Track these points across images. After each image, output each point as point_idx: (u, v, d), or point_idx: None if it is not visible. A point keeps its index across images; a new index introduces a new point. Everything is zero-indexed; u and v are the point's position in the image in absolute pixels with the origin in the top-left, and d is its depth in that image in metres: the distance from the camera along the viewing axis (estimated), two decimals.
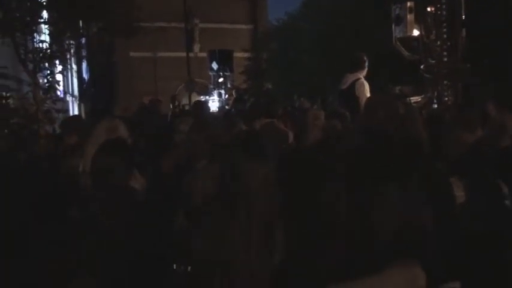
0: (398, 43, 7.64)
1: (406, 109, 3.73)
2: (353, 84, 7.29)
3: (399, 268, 1.76)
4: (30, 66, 6.06)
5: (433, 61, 7.28)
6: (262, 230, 2.46)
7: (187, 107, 18.42)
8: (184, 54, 23.72)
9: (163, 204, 3.53)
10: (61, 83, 6.41)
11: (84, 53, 24.14)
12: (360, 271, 1.77)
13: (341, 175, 2.23)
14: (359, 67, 7.46)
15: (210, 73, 22.84)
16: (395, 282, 1.76)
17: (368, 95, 7.02)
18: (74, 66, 27.59)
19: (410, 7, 7.48)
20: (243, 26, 34.41)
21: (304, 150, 4.23)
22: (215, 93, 20.50)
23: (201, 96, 20.90)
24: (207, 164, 3.63)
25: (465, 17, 7.50)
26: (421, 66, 7.38)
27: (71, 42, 7.23)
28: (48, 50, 6.10)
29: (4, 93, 5.78)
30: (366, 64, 7.46)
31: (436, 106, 7.12)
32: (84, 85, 27.82)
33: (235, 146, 3.19)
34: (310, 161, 3.56)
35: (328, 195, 2.40)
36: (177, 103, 15.58)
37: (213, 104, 19.15)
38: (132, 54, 29.43)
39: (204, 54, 27.15)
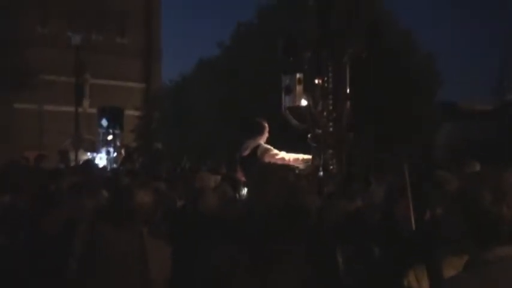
0: (287, 112, 7.93)
1: (296, 177, 3.88)
2: (255, 151, 7.38)
3: None
4: None
5: (320, 131, 7.61)
6: None
7: (72, 164, 17.88)
8: (72, 108, 23.15)
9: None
10: None
11: None
12: None
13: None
14: (259, 133, 7.57)
15: (99, 130, 22.42)
16: None
17: (271, 160, 7.15)
18: None
19: (299, 78, 7.84)
20: (136, 84, 34.33)
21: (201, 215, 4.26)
22: (103, 150, 20.11)
23: (88, 153, 20.37)
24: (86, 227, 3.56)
25: (349, 90, 7.96)
26: (308, 135, 7.69)
27: None
28: None
29: None
30: (266, 130, 7.61)
31: (321, 174, 7.40)
32: None
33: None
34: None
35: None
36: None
37: (101, 161, 18.73)
38: (16, 106, 28.27)
39: (93, 110, 26.66)
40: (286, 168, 4.17)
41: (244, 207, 4.07)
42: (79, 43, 21.91)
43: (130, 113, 26.14)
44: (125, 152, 19.02)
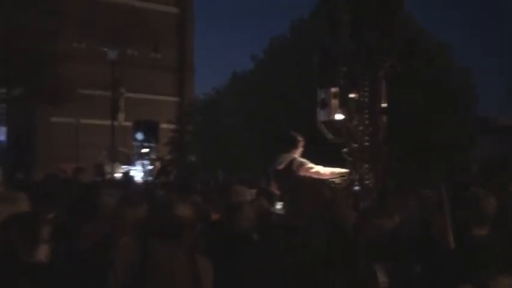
0: (322, 126, 7.91)
1: (332, 193, 3.86)
2: (290, 164, 7.41)
3: None
4: None
5: (355, 145, 7.57)
6: None
7: (108, 176, 18.12)
8: (108, 122, 23.54)
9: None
10: None
11: (3, 116, 23.45)
12: None
13: None
14: (294, 146, 7.60)
15: (134, 143, 22.70)
16: None
17: (307, 173, 7.18)
18: None
19: (334, 93, 7.81)
20: (169, 98, 34.74)
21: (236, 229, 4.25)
22: (138, 163, 20.35)
23: (124, 166, 20.63)
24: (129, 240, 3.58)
25: (385, 104, 7.90)
26: (344, 150, 7.65)
27: None
28: None
29: None
30: (301, 144, 7.64)
31: (357, 188, 7.36)
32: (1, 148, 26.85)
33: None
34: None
35: None
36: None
37: (136, 174, 18.94)
38: (53, 119, 28.86)
39: (128, 124, 27.05)
40: (321, 182, 4.16)
41: (280, 221, 4.08)
42: (115, 58, 22.28)
43: (164, 126, 26.42)
44: (160, 164, 19.21)
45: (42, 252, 3.23)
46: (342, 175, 7.46)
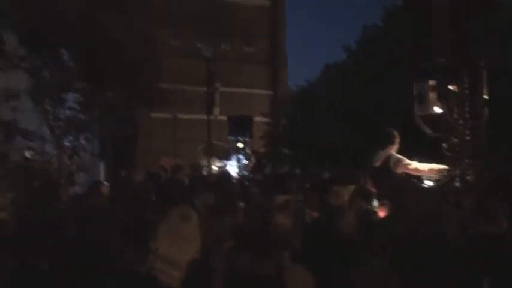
0: (420, 120, 7.62)
1: (437, 200, 3.70)
2: (386, 161, 7.24)
3: None
4: (57, 132, 6.16)
5: (456, 139, 7.23)
6: None
7: (205, 170, 18.48)
8: (203, 116, 24.04)
9: None
10: (86, 147, 6.54)
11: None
12: None
13: None
14: (390, 142, 7.37)
15: (229, 137, 23.01)
16: None
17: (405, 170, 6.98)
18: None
19: (432, 85, 7.50)
20: (262, 91, 34.98)
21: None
22: (234, 157, 20.59)
23: (220, 161, 20.98)
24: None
25: (487, 96, 7.51)
26: (443, 145, 7.33)
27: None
28: (76, 119, 6.24)
29: (27, 155, 5.84)
30: (397, 140, 7.42)
31: (458, 185, 7.04)
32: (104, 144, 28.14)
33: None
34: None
35: None
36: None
37: (232, 168, 19.20)
38: (153, 115, 29.89)
39: (223, 118, 27.48)
40: (425, 190, 3.99)
41: (382, 229, 3.95)
42: (210, 55, 22.65)
43: (258, 119, 26.60)
44: (255, 159, 19.36)
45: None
46: (441, 171, 7.17)
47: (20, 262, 4.13)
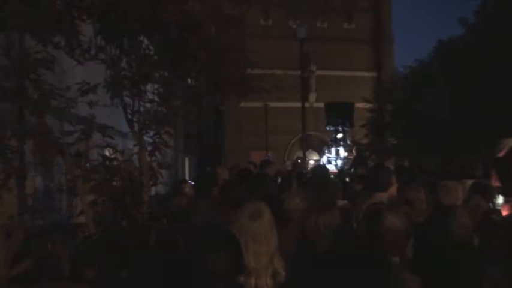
0: None
1: None
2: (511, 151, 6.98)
3: None
4: (137, 127, 6.35)
5: None
6: None
7: (299, 161, 18.46)
8: (297, 104, 23.96)
9: None
10: (168, 142, 6.70)
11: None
12: None
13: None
14: None
15: (327, 127, 22.85)
16: None
17: None
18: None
19: None
20: (365, 74, 34.46)
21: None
22: (333, 150, 20.53)
23: (317, 157, 20.97)
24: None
25: None
26: None
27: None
28: (156, 112, 6.38)
29: (109, 153, 6.07)
30: None
31: None
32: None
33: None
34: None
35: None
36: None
37: (331, 162, 19.17)
38: (241, 104, 30.25)
39: (319, 105, 27.36)
40: None
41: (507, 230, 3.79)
42: (304, 35, 22.56)
43: (360, 106, 26.24)
44: (356, 151, 19.17)
45: None
46: None
47: (99, 270, 4.29)
